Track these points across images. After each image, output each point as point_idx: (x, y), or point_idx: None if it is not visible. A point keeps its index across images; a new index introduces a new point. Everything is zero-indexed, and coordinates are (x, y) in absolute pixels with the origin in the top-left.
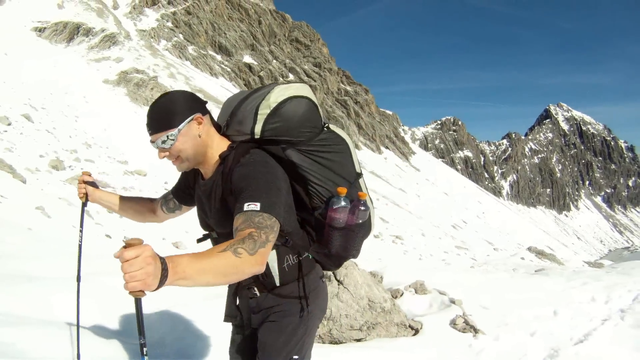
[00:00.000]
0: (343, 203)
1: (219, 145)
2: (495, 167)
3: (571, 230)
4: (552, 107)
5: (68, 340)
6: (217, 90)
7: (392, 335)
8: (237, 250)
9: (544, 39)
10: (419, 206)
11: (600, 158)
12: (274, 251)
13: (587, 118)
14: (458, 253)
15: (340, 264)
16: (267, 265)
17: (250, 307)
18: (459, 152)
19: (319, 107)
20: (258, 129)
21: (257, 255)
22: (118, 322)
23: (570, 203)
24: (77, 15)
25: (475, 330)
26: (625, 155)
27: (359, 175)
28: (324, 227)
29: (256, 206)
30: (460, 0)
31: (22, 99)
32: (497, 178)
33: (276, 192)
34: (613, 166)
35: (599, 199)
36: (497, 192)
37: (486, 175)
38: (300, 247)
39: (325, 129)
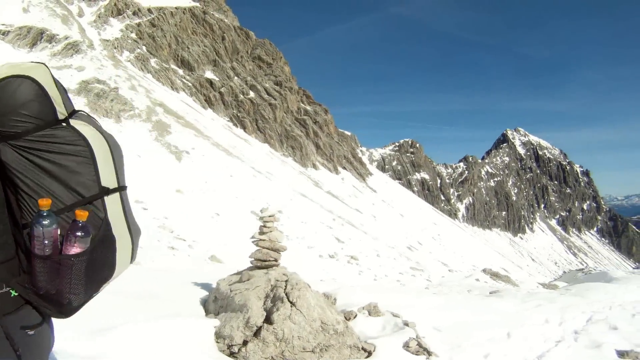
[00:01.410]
0: (45, 222)
1: None
2: (452, 190)
3: (526, 252)
4: (509, 132)
5: None
6: (178, 105)
7: (345, 357)
8: None
9: (505, 65)
10: (374, 227)
11: (556, 182)
12: None
13: (544, 143)
14: (413, 274)
15: (65, 311)
16: None
17: None
18: (416, 174)
19: (49, 94)
20: None
21: None
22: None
23: (526, 226)
24: (42, 20)
25: (429, 353)
26: (581, 180)
27: (105, 190)
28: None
29: None
30: (423, 25)
31: None
32: (453, 200)
33: None
34: (568, 190)
35: (553, 222)
36: (452, 214)
37: (442, 198)
38: None
39: (63, 124)
